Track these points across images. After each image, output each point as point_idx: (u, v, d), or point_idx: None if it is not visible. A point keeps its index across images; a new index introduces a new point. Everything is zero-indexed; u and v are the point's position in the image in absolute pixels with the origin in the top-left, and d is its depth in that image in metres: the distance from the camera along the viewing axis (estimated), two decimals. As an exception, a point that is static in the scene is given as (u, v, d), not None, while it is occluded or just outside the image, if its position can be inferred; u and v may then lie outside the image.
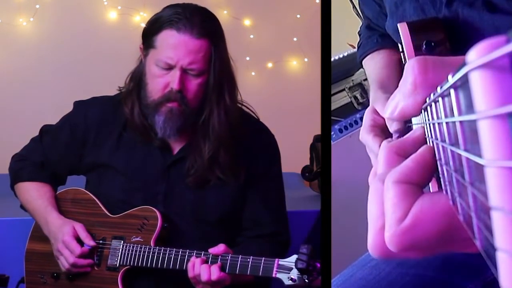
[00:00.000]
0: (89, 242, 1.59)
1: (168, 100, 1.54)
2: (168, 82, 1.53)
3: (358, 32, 1.42)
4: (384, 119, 1.02)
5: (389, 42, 1.24)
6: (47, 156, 1.71)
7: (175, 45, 1.51)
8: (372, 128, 1.05)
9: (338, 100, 2.20)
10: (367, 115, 1.07)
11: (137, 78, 1.61)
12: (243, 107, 1.68)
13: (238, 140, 1.62)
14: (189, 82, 1.54)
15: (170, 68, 1.52)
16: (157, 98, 1.55)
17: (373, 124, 1.06)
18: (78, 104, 1.73)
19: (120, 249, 1.60)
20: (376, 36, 1.31)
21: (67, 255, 1.58)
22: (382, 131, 1.05)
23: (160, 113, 1.56)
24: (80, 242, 1.59)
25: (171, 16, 1.53)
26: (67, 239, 1.58)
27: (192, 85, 1.54)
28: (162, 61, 1.52)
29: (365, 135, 1.06)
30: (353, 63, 2.17)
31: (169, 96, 1.54)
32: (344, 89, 2.23)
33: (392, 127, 0.99)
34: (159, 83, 1.54)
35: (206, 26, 1.53)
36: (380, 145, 1.04)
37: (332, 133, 2.11)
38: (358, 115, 2.19)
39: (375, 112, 1.06)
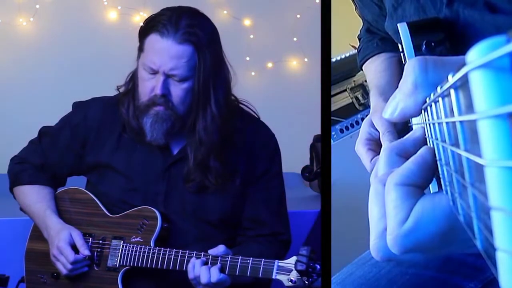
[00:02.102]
0: (84, 251, 1.59)
1: (154, 104, 1.55)
2: (153, 86, 1.53)
3: (358, 36, 1.41)
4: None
5: (389, 46, 1.24)
6: (47, 157, 1.71)
7: (158, 50, 1.51)
8: (367, 142, 1.07)
9: (340, 101, 2.20)
10: (364, 127, 1.08)
11: (134, 79, 1.62)
12: (243, 106, 1.68)
13: (236, 140, 1.62)
14: (174, 87, 1.53)
15: (154, 72, 1.53)
16: (145, 101, 1.56)
17: (369, 138, 1.07)
18: (77, 105, 1.73)
19: (120, 249, 1.60)
20: (376, 39, 1.31)
21: (64, 262, 1.58)
22: (377, 145, 1.06)
23: (148, 115, 1.56)
24: (76, 249, 1.59)
25: (159, 21, 1.52)
26: (62, 245, 1.58)
27: (177, 90, 1.54)
28: (147, 65, 1.53)
29: (360, 147, 1.08)
30: (354, 63, 2.16)
31: (154, 100, 1.54)
32: (345, 90, 2.22)
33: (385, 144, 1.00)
34: (146, 86, 1.55)
35: (191, 32, 1.51)
36: (371, 160, 1.06)
37: (333, 133, 2.11)
38: (359, 116, 2.18)
39: (373, 125, 1.07)
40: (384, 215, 0.49)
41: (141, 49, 1.56)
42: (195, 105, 1.55)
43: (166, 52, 1.50)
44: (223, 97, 1.57)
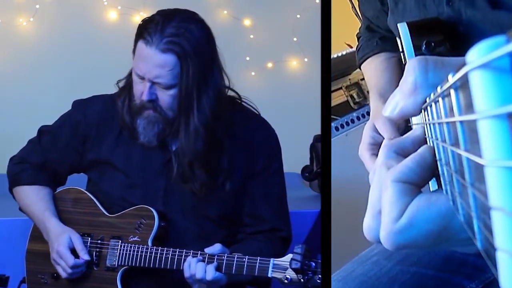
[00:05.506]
0: (83, 255, 1.59)
1: (144, 107, 1.56)
2: (142, 90, 1.54)
3: (357, 35, 1.40)
4: (383, 137, 1.02)
5: (389, 45, 1.23)
6: (47, 156, 1.71)
7: (143, 58, 1.52)
8: (371, 147, 1.06)
9: (335, 99, 2.20)
10: (367, 131, 1.07)
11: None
12: (245, 104, 1.68)
13: (237, 136, 1.61)
14: (160, 93, 1.54)
15: (142, 78, 1.53)
16: (138, 103, 1.57)
17: (372, 142, 1.06)
18: (77, 103, 1.73)
19: (118, 249, 1.60)
20: (376, 38, 1.30)
21: (64, 266, 1.58)
22: None
23: (141, 117, 1.58)
24: (76, 252, 1.59)
25: (146, 27, 1.52)
26: (61, 249, 1.58)
27: (164, 96, 1.54)
28: (135, 71, 1.55)
29: (364, 152, 1.07)
30: (350, 62, 2.16)
31: (143, 104, 1.56)
32: (341, 88, 2.23)
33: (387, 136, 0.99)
34: (137, 89, 1.57)
35: (175, 41, 1.49)
36: None
37: (328, 131, 2.11)
38: (354, 114, 2.19)
39: (375, 129, 1.06)
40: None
41: (133, 52, 1.56)
42: (178, 114, 1.55)
43: (150, 60, 1.50)
44: (210, 105, 1.54)
